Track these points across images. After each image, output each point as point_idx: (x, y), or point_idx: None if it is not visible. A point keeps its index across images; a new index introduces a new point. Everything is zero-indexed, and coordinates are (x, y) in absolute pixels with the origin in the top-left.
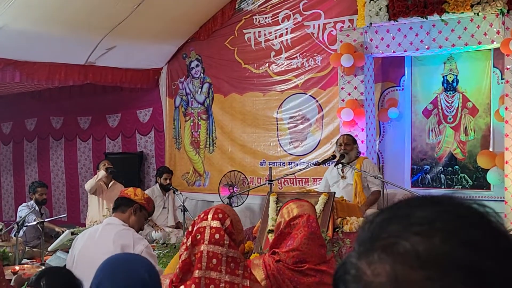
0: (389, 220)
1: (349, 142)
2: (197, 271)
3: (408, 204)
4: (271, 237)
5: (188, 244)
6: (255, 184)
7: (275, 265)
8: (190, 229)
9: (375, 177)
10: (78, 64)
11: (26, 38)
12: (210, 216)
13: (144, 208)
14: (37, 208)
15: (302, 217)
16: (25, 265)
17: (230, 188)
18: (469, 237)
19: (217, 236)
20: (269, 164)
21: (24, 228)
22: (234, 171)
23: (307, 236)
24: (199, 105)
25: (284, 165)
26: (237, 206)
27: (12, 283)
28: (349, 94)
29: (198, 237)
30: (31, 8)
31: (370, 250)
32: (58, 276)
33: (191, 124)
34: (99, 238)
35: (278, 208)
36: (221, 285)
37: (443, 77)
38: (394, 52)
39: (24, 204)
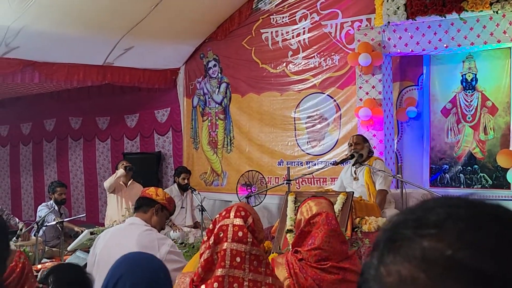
0: (404, 222)
1: (358, 142)
2: (220, 269)
3: (422, 207)
4: (289, 237)
5: (210, 242)
6: (273, 184)
7: (297, 264)
8: (211, 227)
9: (393, 177)
10: (97, 64)
11: (45, 39)
12: (232, 214)
13: (165, 208)
14: (56, 208)
15: (321, 215)
16: (47, 264)
17: (248, 187)
18: (479, 240)
19: (240, 234)
20: (287, 163)
21: (44, 228)
22: (251, 171)
23: (327, 234)
24: (217, 105)
25: (302, 165)
26: (255, 206)
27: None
28: (367, 93)
29: (221, 235)
30: (49, 10)
31: (386, 251)
32: (66, 272)
33: (209, 124)
34: (122, 237)
35: (296, 208)
36: (244, 284)
37: (462, 75)
38: (412, 51)
39: (43, 204)
